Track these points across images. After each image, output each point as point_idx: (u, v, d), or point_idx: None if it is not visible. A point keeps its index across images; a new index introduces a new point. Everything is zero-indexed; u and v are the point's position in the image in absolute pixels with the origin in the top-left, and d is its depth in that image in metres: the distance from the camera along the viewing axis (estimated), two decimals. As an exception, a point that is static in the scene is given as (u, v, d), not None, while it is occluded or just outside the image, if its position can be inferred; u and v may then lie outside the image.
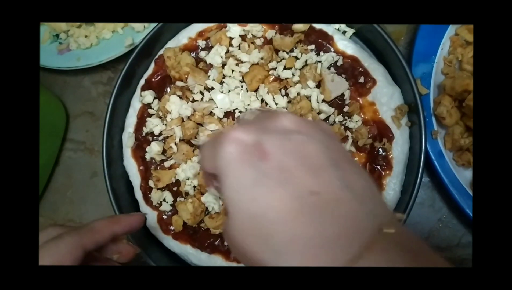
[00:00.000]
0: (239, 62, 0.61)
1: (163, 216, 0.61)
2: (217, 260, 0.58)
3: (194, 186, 0.60)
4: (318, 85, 0.59)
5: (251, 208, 0.26)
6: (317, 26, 0.61)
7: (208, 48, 0.64)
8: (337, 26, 0.62)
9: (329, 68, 0.59)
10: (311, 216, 0.25)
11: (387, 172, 0.56)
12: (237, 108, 0.60)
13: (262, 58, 0.60)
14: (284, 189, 0.25)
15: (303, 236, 0.24)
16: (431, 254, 0.26)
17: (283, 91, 0.60)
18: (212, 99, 0.61)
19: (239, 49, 0.62)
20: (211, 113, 0.61)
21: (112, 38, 0.69)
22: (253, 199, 0.26)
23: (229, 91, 0.61)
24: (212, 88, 0.61)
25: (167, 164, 0.62)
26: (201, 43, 0.64)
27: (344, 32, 0.62)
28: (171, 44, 0.66)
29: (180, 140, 0.62)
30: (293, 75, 0.60)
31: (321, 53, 0.60)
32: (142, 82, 0.66)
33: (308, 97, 0.58)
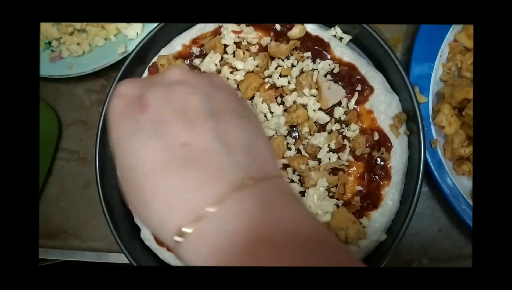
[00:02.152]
0: (234, 69, 0.60)
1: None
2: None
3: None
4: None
5: (126, 161, 0.26)
6: (313, 32, 0.60)
7: (202, 56, 0.63)
8: (333, 32, 0.61)
9: (325, 75, 0.58)
10: (178, 167, 0.25)
11: (386, 182, 0.55)
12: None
13: (257, 66, 0.59)
14: (157, 141, 0.25)
15: (166, 185, 0.25)
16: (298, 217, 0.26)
17: (279, 99, 0.59)
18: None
19: (234, 56, 0.60)
20: (205, 122, 0.60)
21: (105, 46, 0.68)
22: (127, 152, 0.26)
23: (224, 99, 0.59)
24: (207, 97, 0.60)
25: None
26: (195, 50, 0.63)
27: (341, 39, 0.61)
28: (164, 51, 0.64)
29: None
30: (289, 83, 0.58)
31: (318, 60, 0.59)
32: (135, 90, 0.64)
33: (304, 106, 0.57)
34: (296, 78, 0.58)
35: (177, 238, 0.24)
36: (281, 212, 0.25)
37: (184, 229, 0.23)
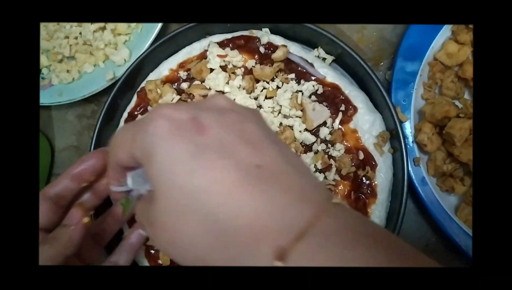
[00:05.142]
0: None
1: (151, 251, 0.61)
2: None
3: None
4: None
5: (190, 182, 0.24)
6: (297, 54, 0.61)
7: (190, 80, 0.64)
8: (316, 53, 0.62)
9: (310, 96, 0.59)
10: (258, 186, 0.23)
11: (372, 200, 0.56)
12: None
13: (243, 88, 0.60)
14: (229, 161, 0.24)
15: (251, 206, 0.23)
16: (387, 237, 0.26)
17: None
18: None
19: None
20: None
21: (94, 72, 0.69)
22: (192, 172, 0.24)
23: (212, 122, 0.61)
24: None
25: (152, 197, 0.62)
26: (183, 74, 0.64)
27: (324, 59, 0.62)
28: (152, 76, 0.65)
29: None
30: (275, 104, 0.59)
31: (302, 81, 0.60)
32: (125, 115, 0.65)
33: (291, 127, 0.58)
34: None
35: (277, 263, 0.22)
36: (370, 223, 0.26)
37: (286, 251, 0.22)
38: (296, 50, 0.61)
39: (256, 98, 0.60)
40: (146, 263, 0.60)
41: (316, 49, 0.62)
